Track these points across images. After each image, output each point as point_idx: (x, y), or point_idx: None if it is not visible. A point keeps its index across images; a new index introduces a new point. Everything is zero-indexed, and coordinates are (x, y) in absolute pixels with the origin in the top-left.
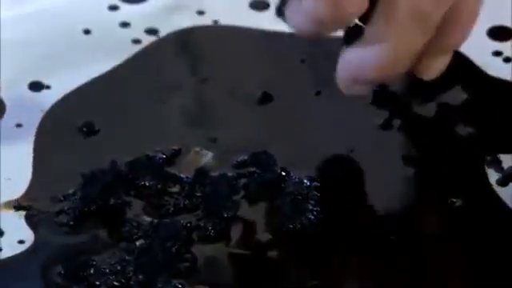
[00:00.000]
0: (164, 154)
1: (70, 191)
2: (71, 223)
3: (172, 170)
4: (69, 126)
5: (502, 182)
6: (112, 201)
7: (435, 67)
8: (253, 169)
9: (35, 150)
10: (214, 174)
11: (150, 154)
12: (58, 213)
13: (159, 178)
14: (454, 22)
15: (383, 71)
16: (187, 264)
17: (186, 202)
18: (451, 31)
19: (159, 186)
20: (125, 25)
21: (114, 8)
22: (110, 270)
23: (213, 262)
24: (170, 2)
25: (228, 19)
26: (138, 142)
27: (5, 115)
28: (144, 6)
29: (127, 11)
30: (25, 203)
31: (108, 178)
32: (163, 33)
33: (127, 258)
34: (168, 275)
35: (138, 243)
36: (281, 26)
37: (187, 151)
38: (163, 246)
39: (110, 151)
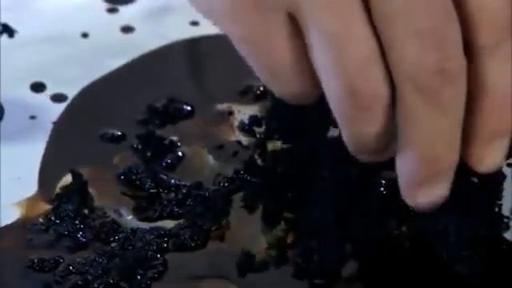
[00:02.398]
0: (169, 159)
1: (41, 219)
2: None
3: (173, 176)
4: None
5: None
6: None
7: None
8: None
9: (44, 157)
10: (211, 185)
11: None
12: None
13: (156, 182)
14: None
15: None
16: (155, 271)
17: (174, 209)
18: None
19: (153, 191)
20: (124, 28)
21: (112, 11)
22: (76, 270)
23: (182, 271)
24: (162, 4)
25: None
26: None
27: (7, 116)
28: (136, 6)
29: (126, 14)
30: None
31: (75, 190)
32: (161, 35)
33: (98, 259)
34: (134, 280)
35: (112, 245)
36: None
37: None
38: (135, 251)
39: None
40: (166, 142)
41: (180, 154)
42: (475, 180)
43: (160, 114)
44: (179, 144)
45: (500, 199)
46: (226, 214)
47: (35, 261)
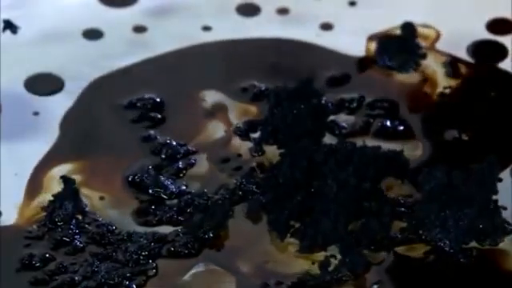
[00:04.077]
0: (178, 163)
1: (35, 226)
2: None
3: (180, 181)
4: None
5: None
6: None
7: None
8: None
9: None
10: (214, 195)
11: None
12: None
13: (158, 187)
14: None
15: None
16: (144, 277)
17: (174, 215)
18: None
19: (156, 195)
20: (137, 28)
21: (117, 10)
22: (65, 269)
23: (172, 278)
24: (162, 4)
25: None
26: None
27: (9, 112)
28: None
29: (139, 13)
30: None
31: (67, 196)
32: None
33: (89, 260)
34: (122, 284)
35: (107, 248)
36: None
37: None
38: (126, 255)
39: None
40: (181, 150)
41: (192, 161)
42: (472, 174)
43: (156, 106)
44: (192, 150)
45: (496, 192)
46: (225, 224)
47: (25, 257)
